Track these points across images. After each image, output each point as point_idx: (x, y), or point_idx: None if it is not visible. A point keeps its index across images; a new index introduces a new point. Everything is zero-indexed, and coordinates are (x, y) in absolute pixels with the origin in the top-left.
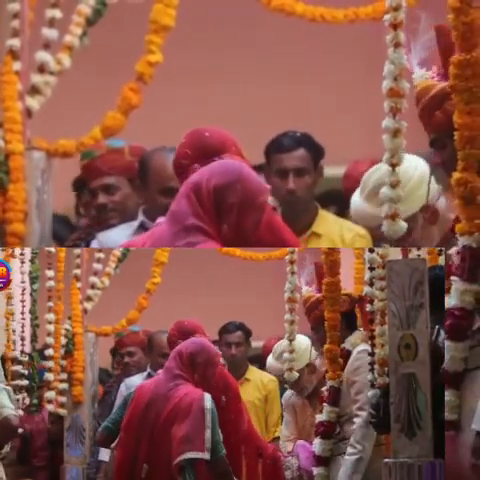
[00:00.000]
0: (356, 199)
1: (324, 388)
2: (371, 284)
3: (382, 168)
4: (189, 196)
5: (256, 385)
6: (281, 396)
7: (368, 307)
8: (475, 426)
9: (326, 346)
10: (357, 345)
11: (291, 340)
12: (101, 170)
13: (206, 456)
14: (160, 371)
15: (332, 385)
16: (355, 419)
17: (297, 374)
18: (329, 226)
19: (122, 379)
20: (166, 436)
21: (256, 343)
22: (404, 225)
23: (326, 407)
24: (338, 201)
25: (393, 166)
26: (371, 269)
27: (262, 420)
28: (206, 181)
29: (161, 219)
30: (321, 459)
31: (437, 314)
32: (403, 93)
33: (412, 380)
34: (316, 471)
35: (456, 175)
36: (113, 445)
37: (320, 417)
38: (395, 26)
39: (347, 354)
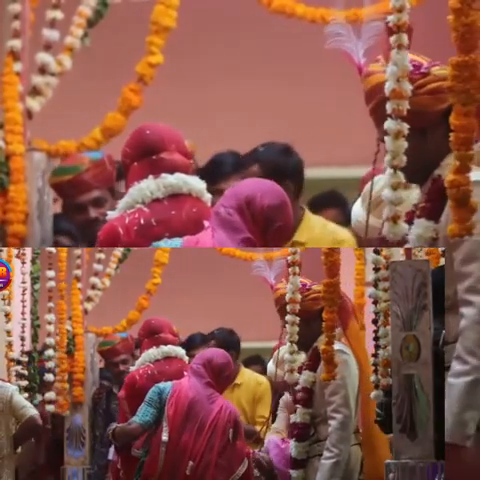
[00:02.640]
0: (357, 209)
1: (297, 388)
2: (375, 285)
3: (383, 180)
4: (242, 210)
5: (247, 388)
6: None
7: (372, 308)
8: (447, 439)
9: (323, 347)
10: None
11: (292, 341)
12: (90, 184)
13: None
14: (187, 372)
15: (304, 386)
16: (330, 421)
17: (298, 375)
18: (312, 232)
19: (111, 388)
20: (216, 435)
21: (256, 344)
22: (405, 227)
23: (299, 409)
24: (337, 203)
25: (394, 168)
26: (376, 270)
27: (250, 422)
28: (260, 198)
29: (207, 223)
30: (297, 461)
31: (441, 316)
32: (406, 95)
33: (414, 381)
34: (293, 474)
35: (450, 177)
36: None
37: (294, 418)
38: (398, 28)
39: (319, 352)
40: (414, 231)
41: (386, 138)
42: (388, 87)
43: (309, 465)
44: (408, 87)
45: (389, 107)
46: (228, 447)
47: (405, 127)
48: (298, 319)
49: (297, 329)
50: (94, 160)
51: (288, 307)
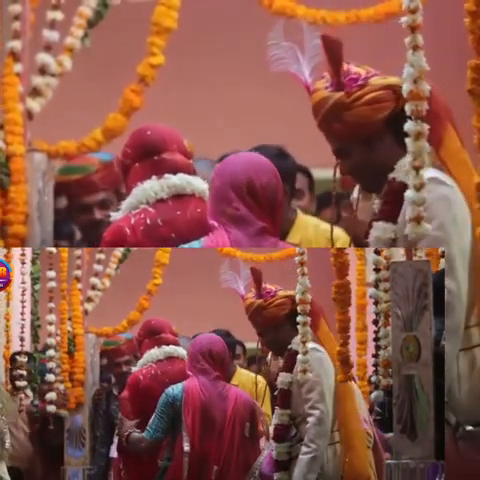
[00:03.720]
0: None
1: (276, 392)
2: (376, 286)
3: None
4: (245, 199)
5: (244, 389)
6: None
7: (373, 308)
8: None
9: (338, 348)
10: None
11: (304, 342)
12: (97, 186)
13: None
14: (192, 373)
15: (282, 387)
16: (308, 418)
17: (310, 375)
18: (306, 233)
19: (111, 389)
20: (236, 435)
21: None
22: (428, 227)
23: (277, 410)
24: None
25: (416, 169)
26: (376, 270)
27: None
28: (257, 180)
29: (214, 223)
30: (279, 463)
31: (441, 317)
32: (424, 95)
33: (415, 382)
34: (276, 476)
35: (478, 179)
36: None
37: (273, 420)
38: (413, 28)
39: (294, 354)
40: (373, 233)
41: (407, 139)
42: (405, 89)
43: (293, 466)
44: (426, 87)
45: (408, 108)
46: (246, 442)
47: (425, 128)
48: (309, 319)
49: (309, 329)
50: (104, 162)
51: (299, 308)
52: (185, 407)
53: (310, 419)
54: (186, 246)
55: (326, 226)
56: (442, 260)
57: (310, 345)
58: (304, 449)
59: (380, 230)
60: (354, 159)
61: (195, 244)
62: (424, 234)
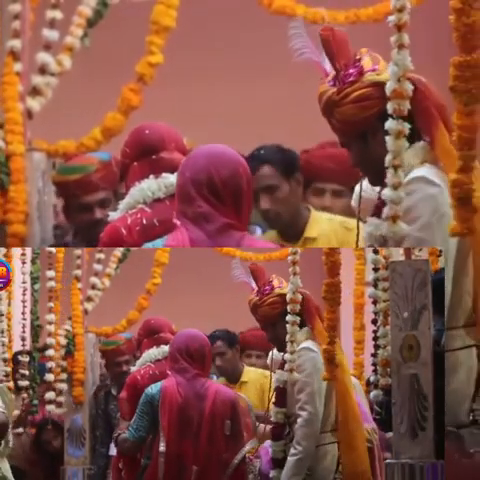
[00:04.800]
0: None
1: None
2: (375, 285)
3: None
4: (206, 197)
5: (254, 384)
6: None
7: (372, 308)
8: None
9: (324, 346)
10: (301, 343)
11: (292, 341)
12: (97, 185)
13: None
14: (170, 372)
15: (277, 385)
16: (297, 419)
17: (298, 375)
18: (322, 227)
19: (109, 389)
20: (216, 434)
21: None
22: (404, 227)
23: (273, 408)
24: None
25: (395, 168)
26: (375, 270)
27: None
28: (216, 176)
29: (177, 222)
30: (275, 461)
31: (441, 316)
32: (406, 94)
33: (414, 381)
34: (272, 473)
35: (452, 176)
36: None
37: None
38: (399, 27)
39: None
40: (366, 229)
41: (387, 138)
42: (389, 87)
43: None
44: (409, 87)
45: (390, 107)
46: (227, 440)
47: (406, 127)
48: (298, 319)
49: (297, 329)
50: (103, 161)
51: (288, 307)
52: (161, 408)
53: (298, 420)
54: (150, 245)
55: (340, 218)
56: (441, 259)
57: (305, 344)
58: (291, 450)
59: (372, 226)
60: (354, 152)
61: (158, 243)
62: (400, 233)
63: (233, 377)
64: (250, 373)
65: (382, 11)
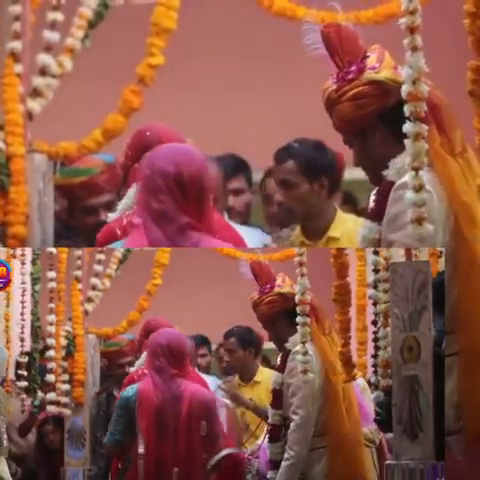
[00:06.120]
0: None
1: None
2: (375, 286)
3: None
4: (172, 190)
5: (267, 385)
6: None
7: (372, 309)
8: None
9: (340, 349)
10: (297, 345)
11: (304, 342)
12: (102, 188)
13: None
14: (148, 372)
15: (274, 387)
16: (290, 423)
17: (312, 375)
18: (347, 227)
19: (111, 389)
20: (193, 436)
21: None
22: (430, 228)
23: (270, 410)
24: (348, 202)
25: (415, 170)
26: (375, 271)
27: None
28: (185, 171)
29: (138, 220)
30: (273, 462)
31: (442, 318)
32: (422, 96)
33: (414, 382)
34: (269, 474)
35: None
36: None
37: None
38: (412, 30)
39: (287, 354)
40: (361, 232)
41: (406, 141)
42: (404, 90)
43: None
44: (425, 89)
45: (407, 109)
46: (205, 441)
47: (424, 129)
48: (308, 319)
49: (308, 330)
50: (107, 163)
51: (298, 308)
52: (139, 410)
53: (291, 424)
54: (112, 246)
55: (363, 219)
56: (441, 260)
57: (299, 347)
58: (285, 455)
59: (366, 229)
60: (355, 151)
61: (117, 244)
62: (426, 235)
63: (245, 376)
64: (264, 373)
65: (382, 13)
